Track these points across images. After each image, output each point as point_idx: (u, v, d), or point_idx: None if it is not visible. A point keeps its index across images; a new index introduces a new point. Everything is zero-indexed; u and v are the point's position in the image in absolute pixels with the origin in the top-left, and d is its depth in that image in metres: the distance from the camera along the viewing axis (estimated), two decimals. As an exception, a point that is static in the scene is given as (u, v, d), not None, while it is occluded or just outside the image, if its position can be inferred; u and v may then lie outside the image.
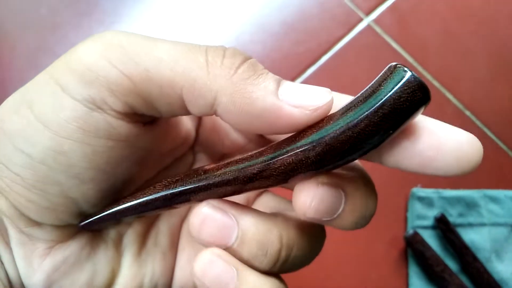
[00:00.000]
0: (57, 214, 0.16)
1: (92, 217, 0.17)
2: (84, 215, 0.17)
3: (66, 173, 0.15)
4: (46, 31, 0.44)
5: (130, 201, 0.16)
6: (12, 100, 0.16)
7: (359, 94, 0.14)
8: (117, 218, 0.17)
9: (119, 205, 0.17)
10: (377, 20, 0.46)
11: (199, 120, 0.20)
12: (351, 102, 0.14)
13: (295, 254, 0.16)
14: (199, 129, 0.20)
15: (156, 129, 0.17)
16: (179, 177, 0.16)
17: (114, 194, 0.17)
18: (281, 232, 0.16)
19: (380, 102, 0.13)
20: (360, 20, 0.46)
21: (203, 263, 0.15)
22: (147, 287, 0.19)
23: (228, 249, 0.16)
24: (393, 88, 0.13)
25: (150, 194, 0.16)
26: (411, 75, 0.13)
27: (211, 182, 0.15)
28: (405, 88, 0.13)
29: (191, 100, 0.14)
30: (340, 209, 0.15)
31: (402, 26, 0.47)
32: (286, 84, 0.14)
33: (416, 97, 0.13)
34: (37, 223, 0.16)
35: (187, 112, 0.15)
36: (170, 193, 0.16)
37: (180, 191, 0.16)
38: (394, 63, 0.14)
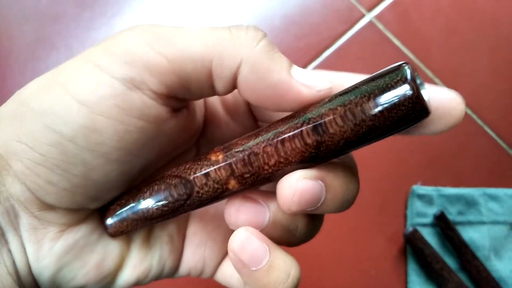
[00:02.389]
0: (74, 197, 0.16)
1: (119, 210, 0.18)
2: (100, 201, 0.18)
3: (93, 152, 0.15)
4: (46, 22, 0.44)
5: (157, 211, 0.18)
6: (39, 81, 0.16)
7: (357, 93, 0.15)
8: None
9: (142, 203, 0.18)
10: (379, 16, 0.46)
11: (205, 113, 0.21)
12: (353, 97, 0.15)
13: (317, 222, 0.18)
14: (205, 122, 0.21)
15: (180, 118, 0.17)
16: (205, 194, 0.17)
17: (130, 181, 0.18)
18: None
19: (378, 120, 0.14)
20: (362, 16, 0.46)
21: (240, 240, 0.16)
22: (155, 269, 0.20)
23: (263, 230, 0.17)
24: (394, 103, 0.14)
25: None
26: (415, 98, 0.14)
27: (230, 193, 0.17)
28: (406, 108, 0.14)
29: (218, 73, 0.16)
30: (322, 199, 0.16)
31: (404, 22, 0.46)
32: (296, 67, 0.16)
33: (414, 116, 0.14)
34: (50, 207, 0.16)
35: (212, 91, 0.17)
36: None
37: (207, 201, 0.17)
38: (399, 72, 0.14)
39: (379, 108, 0.14)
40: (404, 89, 0.14)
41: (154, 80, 0.15)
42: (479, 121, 0.44)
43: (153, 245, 0.20)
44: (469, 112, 0.44)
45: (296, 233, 0.17)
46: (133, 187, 0.18)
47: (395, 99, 0.14)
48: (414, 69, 0.14)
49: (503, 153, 0.44)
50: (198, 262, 0.21)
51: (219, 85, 0.16)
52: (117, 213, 0.18)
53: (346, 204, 0.17)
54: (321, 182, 0.16)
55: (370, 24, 0.46)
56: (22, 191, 0.16)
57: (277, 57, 0.16)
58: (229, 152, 0.16)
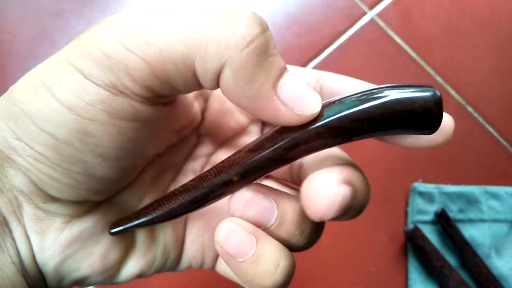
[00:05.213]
0: (78, 191, 0.16)
1: (124, 225, 0.18)
2: (111, 223, 0.18)
3: (91, 152, 0.15)
4: (46, 19, 0.44)
5: (162, 208, 0.17)
6: (27, 80, 0.15)
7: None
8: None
9: (151, 213, 0.17)
10: (380, 14, 0.46)
11: (205, 104, 0.20)
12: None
13: (320, 228, 0.18)
14: (205, 112, 0.20)
15: (173, 108, 0.17)
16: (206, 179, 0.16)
17: (133, 171, 0.18)
18: None
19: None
20: (364, 13, 0.46)
21: (225, 231, 0.16)
22: (159, 260, 0.20)
23: (267, 229, 0.16)
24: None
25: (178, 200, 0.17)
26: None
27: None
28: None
29: (201, 74, 0.14)
30: (350, 206, 0.15)
31: (406, 20, 0.46)
32: (287, 76, 0.15)
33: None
34: (54, 199, 0.16)
35: (200, 86, 0.15)
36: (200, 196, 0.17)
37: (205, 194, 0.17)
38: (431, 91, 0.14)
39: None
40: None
41: (136, 85, 0.14)
42: (480, 119, 0.44)
43: (157, 236, 0.20)
44: (470, 110, 0.44)
45: (301, 238, 0.17)
46: (139, 210, 0.18)
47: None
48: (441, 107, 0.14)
49: (504, 151, 0.44)
50: (198, 253, 0.20)
51: (205, 83, 0.15)
52: (126, 227, 0.18)
53: (359, 212, 0.16)
54: (352, 188, 0.15)
55: (372, 22, 0.46)
56: (25, 183, 0.16)
57: (265, 65, 0.14)
58: (249, 179, 0.16)
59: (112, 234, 0.18)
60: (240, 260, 0.16)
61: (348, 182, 0.15)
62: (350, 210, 0.15)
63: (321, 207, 0.14)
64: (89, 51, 0.14)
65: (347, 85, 0.19)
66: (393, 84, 0.15)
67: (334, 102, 0.15)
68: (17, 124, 0.15)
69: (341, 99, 0.15)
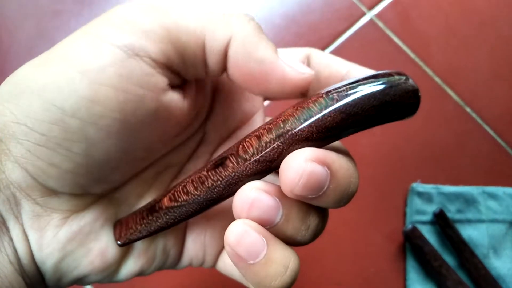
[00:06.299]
0: (77, 179, 0.16)
1: (133, 238, 0.18)
2: (103, 183, 0.18)
3: (94, 125, 0.15)
4: (46, 18, 0.44)
5: (170, 217, 0.17)
6: (34, 61, 0.16)
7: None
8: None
9: (161, 225, 0.18)
10: (379, 15, 0.46)
11: (212, 99, 0.21)
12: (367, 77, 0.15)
13: (325, 220, 0.18)
14: (213, 103, 0.21)
15: (179, 96, 0.18)
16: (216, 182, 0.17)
17: (133, 163, 0.18)
18: (318, 207, 0.17)
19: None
20: (363, 14, 0.46)
21: (237, 233, 0.15)
22: (159, 258, 0.20)
23: (274, 227, 0.16)
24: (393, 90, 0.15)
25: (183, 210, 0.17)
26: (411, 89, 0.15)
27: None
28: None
29: (210, 47, 0.17)
30: (326, 187, 0.15)
31: (404, 21, 0.46)
32: (281, 50, 0.18)
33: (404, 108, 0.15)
34: (53, 192, 0.16)
35: (205, 67, 0.17)
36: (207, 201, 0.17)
37: (218, 196, 0.17)
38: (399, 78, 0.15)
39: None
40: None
41: (152, 46, 0.16)
42: (478, 120, 0.44)
43: (157, 234, 0.20)
44: (469, 110, 0.44)
45: (306, 233, 0.17)
46: (143, 214, 0.18)
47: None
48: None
49: (502, 152, 0.44)
50: (199, 251, 0.21)
51: (211, 60, 0.17)
52: (135, 239, 0.18)
53: (345, 198, 0.16)
54: (327, 169, 0.15)
55: (371, 22, 0.46)
56: (23, 177, 0.16)
57: (264, 38, 0.17)
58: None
59: (121, 246, 0.18)
60: (251, 262, 0.15)
61: (322, 162, 0.15)
62: (329, 193, 0.15)
63: (288, 179, 0.15)
64: (110, 19, 0.16)
65: (335, 63, 0.21)
66: (373, 74, 0.15)
67: (331, 92, 0.15)
68: (20, 104, 0.15)
69: (332, 91, 0.15)
